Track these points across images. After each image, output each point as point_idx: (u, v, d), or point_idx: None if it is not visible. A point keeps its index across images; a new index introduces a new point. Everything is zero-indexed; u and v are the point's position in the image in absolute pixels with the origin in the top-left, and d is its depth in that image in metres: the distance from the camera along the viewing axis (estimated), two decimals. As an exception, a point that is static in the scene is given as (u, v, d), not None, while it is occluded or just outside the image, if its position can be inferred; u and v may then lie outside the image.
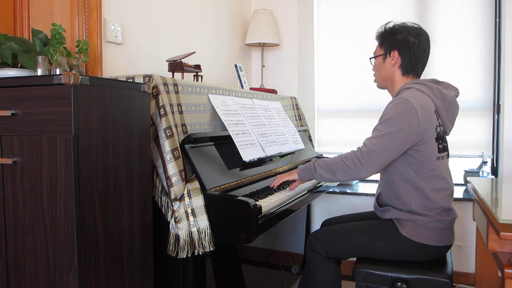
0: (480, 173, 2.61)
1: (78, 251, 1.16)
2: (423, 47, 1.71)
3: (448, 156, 1.73)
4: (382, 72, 1.78)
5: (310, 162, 1.73)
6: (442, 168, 1.66)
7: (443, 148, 1.68)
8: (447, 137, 1.76)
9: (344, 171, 1.60)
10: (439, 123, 1.66)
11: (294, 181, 1.84)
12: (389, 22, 1.78)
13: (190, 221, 1.45)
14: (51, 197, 1.17)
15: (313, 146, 2.82)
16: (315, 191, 2.05)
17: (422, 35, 1.72)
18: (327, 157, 2.18)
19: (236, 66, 2.55)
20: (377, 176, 1.81)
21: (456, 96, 1.74)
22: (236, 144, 1.73)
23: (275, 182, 1.82)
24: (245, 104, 2.04)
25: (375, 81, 1.85)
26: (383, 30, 1.78)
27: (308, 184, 2.02)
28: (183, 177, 1.49)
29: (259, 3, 3.14)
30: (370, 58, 1.84)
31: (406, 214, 1.65)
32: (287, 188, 1.87)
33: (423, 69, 1.76)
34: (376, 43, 1.82)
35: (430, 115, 1.60)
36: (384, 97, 1.85)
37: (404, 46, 1.71)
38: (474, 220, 2.02)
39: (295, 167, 1.84)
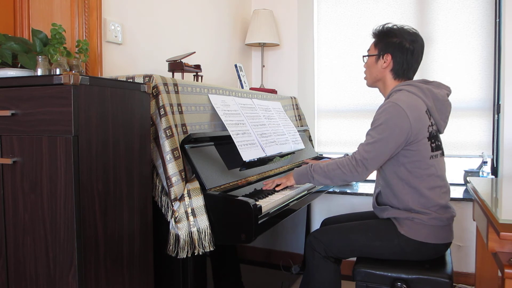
0: (480, 173, 2.61)
1: (78, 251, 1.16)
2: (417, 54, 1.72)
3: (442, 154, 1.73)
4: (374, 72, 1.79)
5: (305, 167, 1.76)
6: (437, 166, 1.67)
7: (437, 147, 1.69)
8: (443, 136, 1.77)
9: (341, 177, 1.68)
10: (432, 122, 1.67)
11: None
12: (389, 23, 1.77)
13: (190, 221, 1.45)
14: (51, 197, 1.17)
15: (313, 146, 2.82)
16: (315, 191, 2.05)
17: (417, 42, 1.71)
18: (320, 156, 2.19)
19: (236, 66, 2.55)
20: (375, 176, 1.82)
21: (448, 94, 1.75)
22: (236, 144, 1.73)
23: (268, 186, 1.81)
24: (245, 104, 2.04)
25: (365, 78, 1.85)
26: (380, 29, 1.77)
27: (308, 184, 2.01)
28: (183, 177, 1.49)
29: (259, 3, 3.14)
30: (363, 56, 1.83)
31: (404, 213, 1.66)
32: (287, 188, 1.87)
33: (414, 74, 1.77)
34: (372, 40, 1.80)
35: (421, 115, 1.62)
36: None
37: (397, 51, 1.71)
38: (474, 220, 2.02)
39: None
